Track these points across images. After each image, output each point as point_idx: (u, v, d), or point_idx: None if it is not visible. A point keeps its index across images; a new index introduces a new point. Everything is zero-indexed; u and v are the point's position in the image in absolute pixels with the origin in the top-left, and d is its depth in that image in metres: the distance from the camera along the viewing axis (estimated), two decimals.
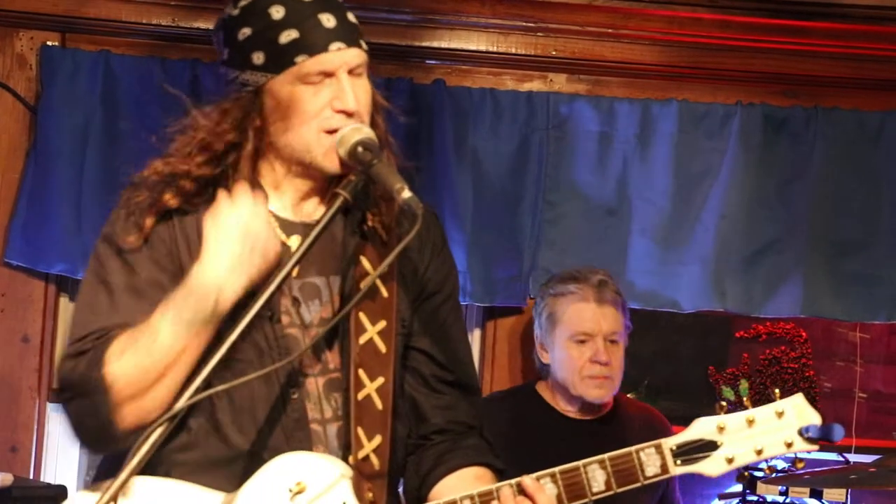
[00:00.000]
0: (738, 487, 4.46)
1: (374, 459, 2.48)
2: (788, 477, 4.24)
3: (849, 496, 4.44)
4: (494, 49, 4.63)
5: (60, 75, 4.46)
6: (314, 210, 2.55)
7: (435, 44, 4.62)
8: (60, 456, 4.56)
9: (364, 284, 2.45)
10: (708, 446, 2.41)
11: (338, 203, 2.37)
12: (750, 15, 4.62)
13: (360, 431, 2.47)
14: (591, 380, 4.07)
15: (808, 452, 2.48)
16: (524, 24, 4.61)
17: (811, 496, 4.39)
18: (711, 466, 2.41)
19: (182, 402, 2.18)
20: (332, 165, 2.46)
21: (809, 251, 4.60)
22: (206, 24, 4.47)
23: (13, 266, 4.47)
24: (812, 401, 4.79)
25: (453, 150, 4.54)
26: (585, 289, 4.09)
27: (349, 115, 2.44)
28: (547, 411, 4.14)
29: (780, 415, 2.41)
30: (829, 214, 4.62)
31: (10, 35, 4.53)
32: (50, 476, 4.53)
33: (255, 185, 2.49)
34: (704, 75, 4.69)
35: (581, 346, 4.08)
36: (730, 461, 2.40)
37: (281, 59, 2.43)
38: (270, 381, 2.45)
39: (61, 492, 3.97)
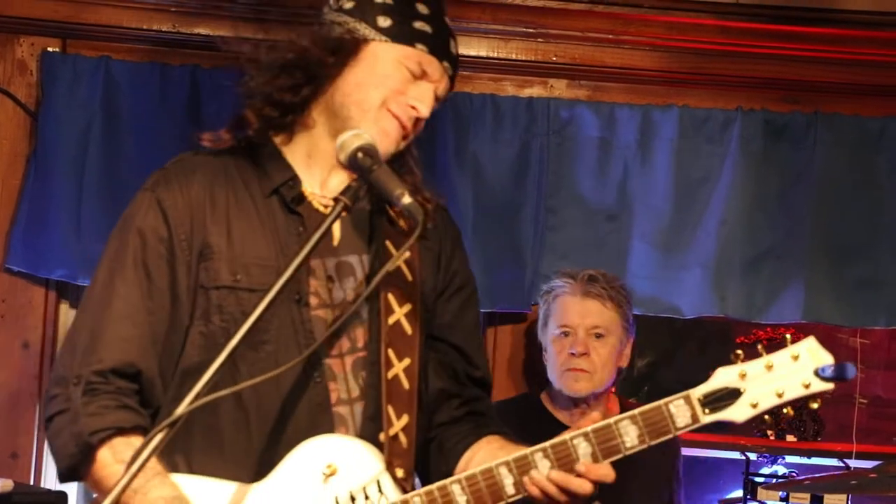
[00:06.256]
0: (739, 493, 4.47)
1: (403, 438, 2.53)
2: (789, 482, 4.25)
3: (849, 502, 4.44)
4: (495, 55, 4.64)
5: (61, 81, 4.46)
6: (339, 186, 2.56)
7: None
8: None
9: (370, 287, 2.48)
10: (732, 394, 2.48)
11: (338, 208, 2.39)
12: (750, 21, 4.62)
13: (391, 409, 2.52)
14: (570, 373, 4.03)
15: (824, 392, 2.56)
16: (525, 29, 4.61)
17: (812, 502, 4.39)
18: (738, 412, 2.48)
19: (182, 409, 2.17)
20: (381, 145, 2.53)
21: (810, 257, 4.59)
22: (207, 30, 4.48)
23: (13, 272, 4.47)
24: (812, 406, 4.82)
25: (454, 156, 4.55)
26: (574, 284, 4.09)
27: (417, 117, 2.58)
28: (547, 421, 4.12)
29: (795, 358, 2.50)
30: (830, 220, 4.61)
31: (10, 41, 4.53)
32: (50, 482, 4.52)
33: (285, 166, 2.58)
34: (705, 81, 4.69)
35: (563, 340, 4.07)
36: (754, 406, 2.48)
37: (405, 35, 2.57)
38: (296, 365, 2.48)
39: (62, 498, 3.96)
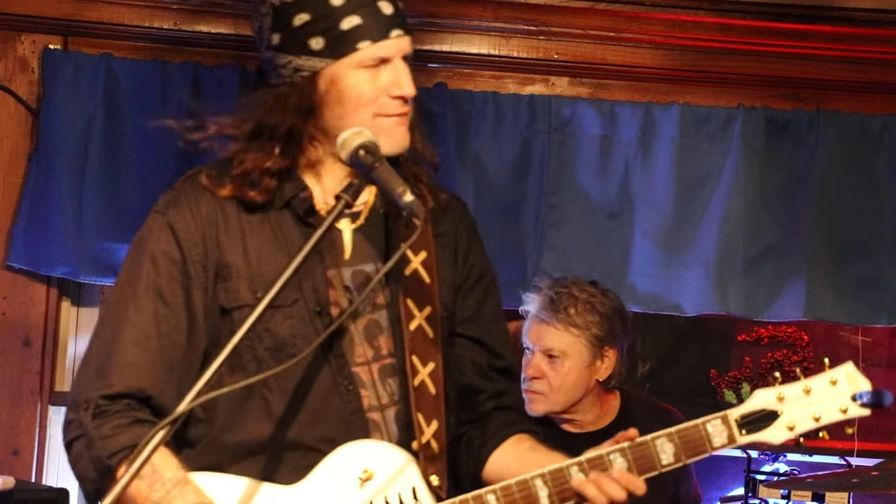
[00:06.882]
0: (741, 490, 4.46)
1: (434, 444, 2.53)
2: (790, 480, 4.25)
3: (851, 499, 4.44)
4: (496, 52, 4.64)
5: (62, 78, 4.46)
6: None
7: (437, 47, 4.62)
8: (62, 459, 4.55)
9: (373, 282, 2.47)
10: (769, 416, 2.50)
11: (339, 206, 2.38)
12: (751, 18, 4.62)
13: (420, 417, 2.52)
14: (526, 394, 3.98)
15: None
16: (526, 27, 4.61)
17: (813, 500, 4.39)
18: (774, 434, 2.50)
19: (183, 406, 2.18)
20: (392, 146, 2.51)
21: (811, 254, 4.59)
22: (208, 27, 4.49)
23: (15, 269, 4.47)
24: None
25: (455, 154, 4.54)
26: (536, 301, 3.98)
27: (405, 100, 2.52)
28: (547, 426, 4.09)
29: (833, 383, 2.51)
30: (831, 218, 4.61)
31: (12, 38, 4.54)
32: (52, 479, 4.53)
33: (296, 179, 2.55)
34: (706, 79, 4.70)
35: (526, 358, 4.00)
36: (790, 429, 2.50)
37: (342, 45, 2.48)
38: (325, 373, 2.49)
39: (63, 495, 3.97)
